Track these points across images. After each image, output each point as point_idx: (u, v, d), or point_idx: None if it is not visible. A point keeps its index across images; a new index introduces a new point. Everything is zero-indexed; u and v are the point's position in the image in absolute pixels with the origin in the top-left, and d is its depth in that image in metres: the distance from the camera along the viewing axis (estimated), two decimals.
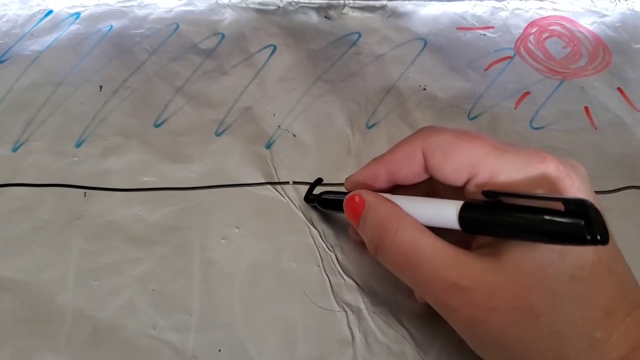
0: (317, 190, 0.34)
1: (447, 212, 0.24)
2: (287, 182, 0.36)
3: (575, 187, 0.23)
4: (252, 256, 0.33)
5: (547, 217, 0.20)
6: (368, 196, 0.27)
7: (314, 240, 0.34)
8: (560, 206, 0.20)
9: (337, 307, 0.32)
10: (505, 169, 0.24)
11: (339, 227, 0.35)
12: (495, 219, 0.22)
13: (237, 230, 0.34)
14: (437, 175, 0.26)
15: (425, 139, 0.26)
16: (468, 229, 0.24)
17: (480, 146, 0.24)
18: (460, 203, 0.24)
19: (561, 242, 0.20)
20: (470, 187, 0.25)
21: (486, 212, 0.23)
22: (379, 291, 0.32)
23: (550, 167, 0.23)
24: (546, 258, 0.22)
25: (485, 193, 0.23)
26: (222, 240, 0.34)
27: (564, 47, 0.46)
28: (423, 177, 0.27)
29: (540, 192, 0.23)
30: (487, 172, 0.24)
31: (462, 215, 0.23)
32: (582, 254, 0.22)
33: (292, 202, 0.35)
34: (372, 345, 0.31)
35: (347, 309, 0.32)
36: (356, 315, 0.32)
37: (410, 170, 0.27)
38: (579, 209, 0.19)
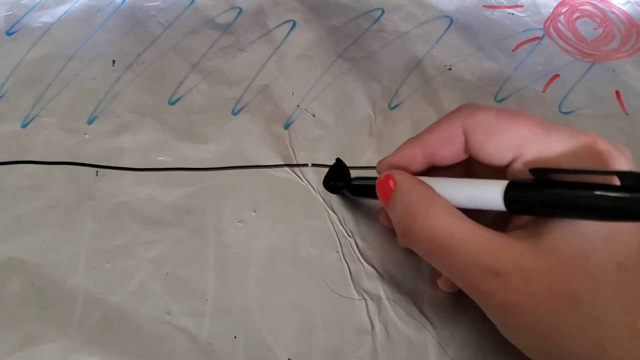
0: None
1: (491, 192, 0.23)
2: (306, 165, 0.35)
3: (627, 168, 0.22)
4: (269, 240, 0.32)
5: (602, 193, 0.19)
6: (400, 177, 0.26)
7: (333, 226, 0.33)
8: (614, 182, 0.19)
9: (356, 295, 0.31)
10: (554, 148, 0.23)
11: (359, 213, 0.33)
12: (545, 196, 0.21)
13: (254, 213, 0.33)
14: (479, 155, 0.25)
15: (466, 117, 0.25)
16: (514, 209, 0.23)
17: (525, 126, 0.24)
18: (504, 182, 0.23)
19: (618, 219, 0.20)
20: (516, 167, 0.24)
21: (536, 190, 0.22)
22: (400, 279, 0.32)
23: (600, 147, 0.22)
24: (590, 243, 0.21)
25: (533, 171, 0.22)
26: (239, 224, 0.33)
27: (595, 28, 0.44)
28: (462, 157, 0.26)
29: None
30: (535, 151, 0.23)
31: (509, 195, 0.22)
32: (629, 242, 0.21)
33: (311, 185, 0.34)
34: (392, 334, 0.30)
35: (366, 297, 0.31)
36: (376, 303, 0.31)
37: (450, 150, 0.26)
38: (637, 182, 0.18)
